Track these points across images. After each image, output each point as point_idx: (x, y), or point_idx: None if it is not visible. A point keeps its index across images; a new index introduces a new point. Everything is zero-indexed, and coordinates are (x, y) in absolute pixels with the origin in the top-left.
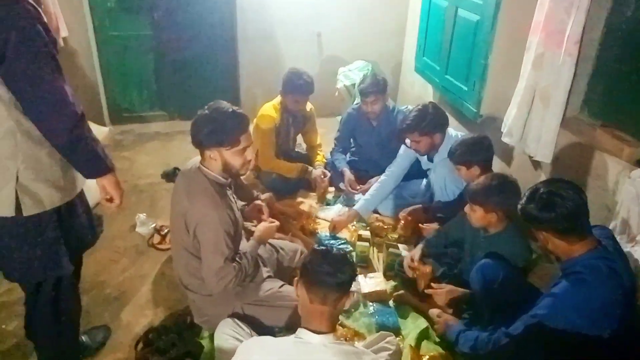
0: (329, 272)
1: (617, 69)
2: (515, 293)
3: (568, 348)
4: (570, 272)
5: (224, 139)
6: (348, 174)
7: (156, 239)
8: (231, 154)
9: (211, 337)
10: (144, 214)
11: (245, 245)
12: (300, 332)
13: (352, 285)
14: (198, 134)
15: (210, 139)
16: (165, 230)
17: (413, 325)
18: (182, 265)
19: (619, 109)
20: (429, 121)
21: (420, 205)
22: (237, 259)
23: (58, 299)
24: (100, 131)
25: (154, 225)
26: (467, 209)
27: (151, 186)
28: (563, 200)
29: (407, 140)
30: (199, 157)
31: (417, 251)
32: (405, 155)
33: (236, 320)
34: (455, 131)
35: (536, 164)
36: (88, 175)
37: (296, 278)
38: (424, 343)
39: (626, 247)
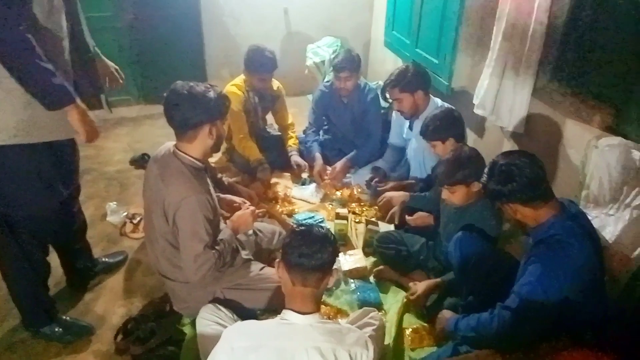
0: (308, 254)
1: (587, 37)
2: (493, 263)
3: (563, 315)
4: (544, 237)
5: (218, 111)
6: (319, 160)
7: (129, 227)
8: (221, 125)
9: (193, 324)
10: (115, 203)
11: (223, 232)
12: (285, 313)
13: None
14: (189, 114)
15: (204, 117)
16: (138, 219)
17: (394, 299)
18: (160, 253)
19: (589, 77)
20: (411, 77)
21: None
22: (215, 246)
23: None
24: None
25: (125, 213)
26: (444, 194)
27: (120, 173)
28: (520, 170)
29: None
30: (170, 143)
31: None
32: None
33: (217, 305)
34: (442, 101)
35: (509, 135)
36: (48, 106)
37: (277, 260)
38: (406, 316)
39: (599, 215)
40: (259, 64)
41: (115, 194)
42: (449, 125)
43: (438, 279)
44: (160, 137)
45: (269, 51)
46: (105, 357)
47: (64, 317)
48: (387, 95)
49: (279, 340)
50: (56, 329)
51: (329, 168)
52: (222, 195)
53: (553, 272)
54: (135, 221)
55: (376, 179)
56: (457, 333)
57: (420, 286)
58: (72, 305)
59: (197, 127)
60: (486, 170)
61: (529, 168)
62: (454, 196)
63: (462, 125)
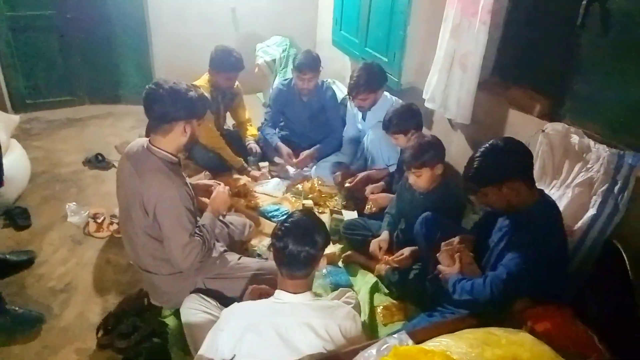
0: (299, 252)
1: (523, 33)
2: (453, 236)
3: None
4: (530, 217)
5: (196, 111)
6: (283, 147)
7: (92, 227)
8: (196, 126)
9: (175, 315)
10: (74, 203)
11: (203, 217)
12: (279, 293)
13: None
14: (168, 108)
15: (182, 113)
16: (102, 218)
17: (363, 281)
18: (140, 248)
19: (526, 69)
20: (378, 77)
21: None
22: (197, 232)
23: None
24: (10, 120)
25: (86, 213)
26: (411, 179)
27: (74, 174)
28: (520, 145)
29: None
30: (141, 139)
31: (384, 237)
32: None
33: (200, 295)
34: (391, 95)
35: (456, 126)
36: None
37: (268, 245)
38: (376, 295)
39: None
40: (228, 63)
41: (72, 195)
42: (409, 119)
43: (415, 247)
44: (110, 137)
45: (236, 52)
46: (89, 355)
47: (14, 308)
48: (355, 97)
49: (274, 317)
50: (2, 320)
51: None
52: (195, 182)
53: (538, 249)
54: (99, 220)
55: (339, 173)
56: (453, 291)
57: (405, 250)
58: (44, 306)
59: (173, 122)
60: (484, 151)
61: (523, 146)
62: (420, 180)
63: (420, 117)
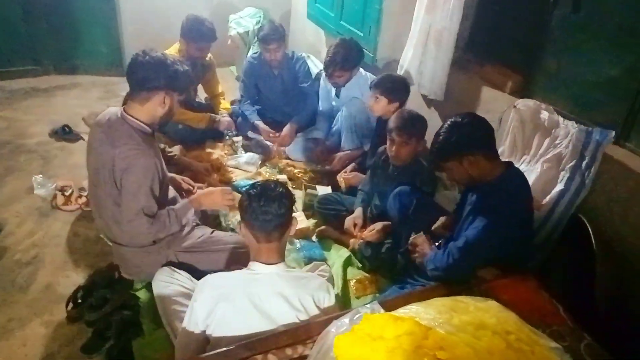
0: (268, 211)
1: (497, 9)
2: (428, 212)
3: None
4: (493, 189)
5: (179, 84)
6: (262, 125)
7: (60, 199)
8: (177, 101)
9: (147, 288)
10: (40, 175)
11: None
12: (252, 265)
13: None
14: (150, 75)
15: (164, 83)
16: (70, 191)
17: (336, 255)
18: (110, 219)
19: (500, 46)
20: (354, 56)
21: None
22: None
23: None
24: None
25: (54, 185)
26: (394, 148)
27: (40, 145)
28: (483, 121)
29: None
30: (114, 108)
31: (358, 214)
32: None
33: (172, 267)
34: (365, 71)
35: (430, 102)
36: None
37: (239, 220)
38: (349, 269)
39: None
40: (200, 33)
41: (38, 167)
42: (400, 88)
43: (387, 222)
44: (77, 108)
45: (209, 22)
46: (57, 327)
47: None
48: (332, 75)
49: (248, 287)
50: None
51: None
52: (171, 175)
53: (497, 218)
54: (67, 193)
55: (317, 150)
56: (427, 266)
57: (377, 225)
58: (9, 278)
59: (153, 90)
60: (446, 126)
61: (484, 121)
62: (404, 150)
63: (408, 95)
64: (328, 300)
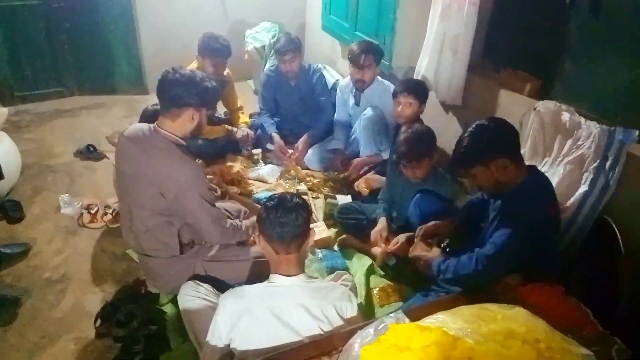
0: (286, 223)
1: (513, 14)
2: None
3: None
4: (518, 195)
5: (208, 100)
6: (277, 139)
7: (86, 218)
8: (205, 116)
9: (173, 302)
10: (67, 195)
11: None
12: (273, 277)
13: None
14: (181, 92)
15: (194, 100)
16: (95, 209)
17: (358, 264)
18: (144, 231)
19: (516, 52)
20: (378, 50)
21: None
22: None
23: None
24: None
25: (80, 204)
26: (409, 172)
27: (65, 165)
28: (506, 125)
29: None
30: (140, 124)
31: (382, 225)
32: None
33: (197, 281)
34: (383, 79)
35: (448, 109)
36: None
37: (257, 233)
38: (372, 278)
39: None
40: (214, 49)
41: (64, 186)
42: (426, 90)
43: (410, 233)
44: (101, 127)
45: (224, 38)
46: (86, 344)
47: None
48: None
49: (269, 300)
50: None
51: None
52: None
53: (525, 224)
54: (92, 211)
55: (335, 159)
56: (439, 272)
57: (401, 237)
58: (39, 296)
59: (184, 107)
60: (471, 131)
61: (510, 125)
62: (419, 171)
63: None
64: (351, 309)
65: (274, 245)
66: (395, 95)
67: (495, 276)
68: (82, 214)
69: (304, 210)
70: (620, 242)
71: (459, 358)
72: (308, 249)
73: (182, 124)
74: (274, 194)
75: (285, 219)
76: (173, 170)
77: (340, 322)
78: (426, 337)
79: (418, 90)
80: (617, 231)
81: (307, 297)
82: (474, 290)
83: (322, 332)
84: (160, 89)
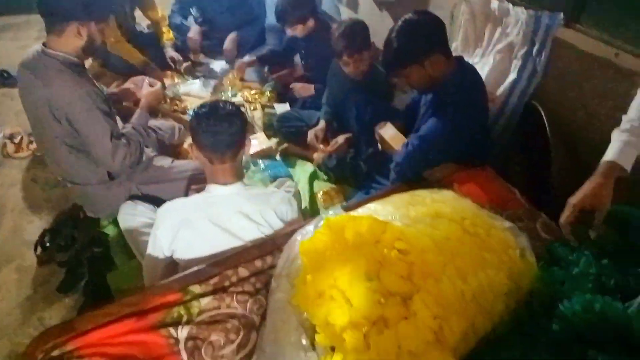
0: (220, 131)
1: None
2: (385, 117)
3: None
4: (449, 89)
5: (93, 12)
6: (194, 34)
7: (10, 148)
8: (96, 30)
9: (114, 223)
10: None
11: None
12: (209, 187)
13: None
14: (59, 6)
15: (76, 13)
16: (19, 137)
17: (302, 170)
18: (62, 161)
19: None
20: None
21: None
22: (122, 132)
23: None
24: None
25: (1, 134)
26: (350, 67)
27: None
28: (429, 16)
29: None
30: (35, 46)
31: (320, 126)
32: None
33: (134, 200)
34: None
35: (382, 5)
36: None
37: (189, 143)
38: (315, 182)
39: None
40: None
41: None
42: (367, 35)
43: (349, 134)
44: (14, 51)
45: None
46: (30, 271)
47: None
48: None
49: (208, 210)
50: None
51: None
52: (118, 89)
53: (455, 115)
54: (16, 140)
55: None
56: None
57: (339, 138)
58: None
59: (66, 21)
60: (399, 30)
61: (436, 17)
62: (361, 65)
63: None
64: (291, 212)
65: (207, 154)
66: (339, 56)
67: (426, 161)
68: (5, 144)
69: (238, 118)
70: (547, 126)
71: (389, 241)
72: (250, 160)
73: (69, 40)
74: (206, 102)
75: (218, 127)
76: (63, 93)
77: (281, 225)
78: (357, 224)
79: (362, 42)
80: (544, 116)
81: (246, 204)
82: (408, 179)
83: (263, 236)
84: (39, 3)
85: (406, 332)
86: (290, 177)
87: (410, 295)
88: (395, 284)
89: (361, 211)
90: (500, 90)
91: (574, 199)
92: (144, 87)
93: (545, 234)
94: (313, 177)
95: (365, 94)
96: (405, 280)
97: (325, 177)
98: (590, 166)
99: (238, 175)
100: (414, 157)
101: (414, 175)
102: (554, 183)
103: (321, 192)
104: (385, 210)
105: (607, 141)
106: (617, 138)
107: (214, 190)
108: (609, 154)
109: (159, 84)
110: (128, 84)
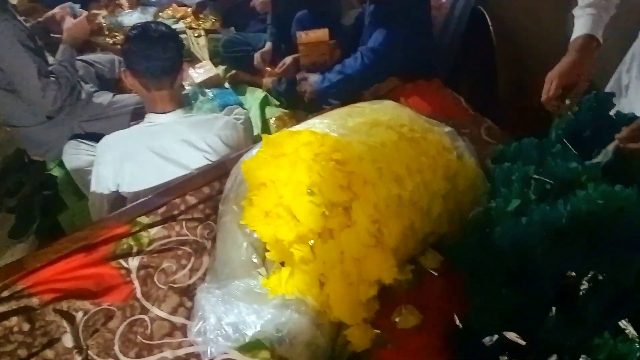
0: (153, 56)
1: None
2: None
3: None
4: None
5: None
6: None
7: None
8: None
9: (60, 165)
10: None
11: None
12: (148, 116)
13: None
14: None
15: None
16: None
17: (252, 97)
18: None
19: None
20: None
21: None
22: (50, 69)
23: None
24: None
25: None
26: None
27: None
28: None
29: None
30: None
31: (266, 48)
32: None
33: (78, 139)
34: None
35: None
36: None
37: (122, 69)
38: (267, 109)
39: None
40: None
41: None
42: None
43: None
44: None
45: None
46: None
47: None
48: None
49: (149, 141)
50: None
51: None
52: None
53: (398, 27)
54: None
55: None
56: (325, 85)
57: (287, 59)
58: None
59: None
60: None
61: None
62: None
63: None
64: (237, 136)
65: (142, 80)
66: None
67: (380, 71)
68: None
69: (173, 40)
70: (492, 30)
71: (327, 152)
72: (198, 90)
73: None
74: (137, 24)
75: (151, 50)
76: None
77: (227, 151)
78: (296, 139)
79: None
80: (489, 21)
81: (188, 131)
82: (356, 91)
83: (209, 163)
84: None
85: (348, 239)
86: (241, 104)
87: (351, 204)
88: (336, 195)
89: (299, 126)
90: None
91: (551, 74)
92: (67, 21)
93: (489, 137)
94: (264, 103)
95: (311, 11)
96: (345, 190)
97: (277, 103)
98: (536, 73)
99: (177, 102)
100: (368, 65)
101: (362, 89)
102: (500, 90)
103: (273, 118)
104: (323, 124)
105: (555, 48)
106: (582, 13)
107: (152, 119)
108: (580, 29)
109: (84, 15)
110: (54, 10)
